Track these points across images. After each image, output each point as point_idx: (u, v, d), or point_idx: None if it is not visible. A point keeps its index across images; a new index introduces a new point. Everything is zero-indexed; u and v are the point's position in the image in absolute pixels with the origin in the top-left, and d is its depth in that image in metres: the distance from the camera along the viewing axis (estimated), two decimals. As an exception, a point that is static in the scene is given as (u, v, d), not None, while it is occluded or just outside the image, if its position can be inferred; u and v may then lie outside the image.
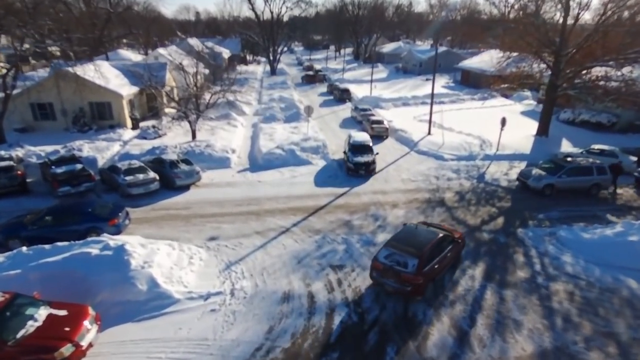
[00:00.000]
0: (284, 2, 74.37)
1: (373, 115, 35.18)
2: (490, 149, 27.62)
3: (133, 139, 28.06)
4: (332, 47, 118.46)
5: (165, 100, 34.18)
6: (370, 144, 24.42)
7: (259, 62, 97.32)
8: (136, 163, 20.86)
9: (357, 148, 23.86)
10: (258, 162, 25.21)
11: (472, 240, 16.06)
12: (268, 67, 76.54)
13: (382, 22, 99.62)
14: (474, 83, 53.28)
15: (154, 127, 29.02)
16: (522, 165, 25.48)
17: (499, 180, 22.83)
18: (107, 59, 59.98)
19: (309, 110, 29.26)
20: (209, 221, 17.48)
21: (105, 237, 13.46)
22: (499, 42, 35.45)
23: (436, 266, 12.36)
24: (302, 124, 33.47)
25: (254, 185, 21.71)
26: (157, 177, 20.37)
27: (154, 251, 13.18)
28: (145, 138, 28.05)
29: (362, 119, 35.61)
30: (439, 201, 19.90)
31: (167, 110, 34.91)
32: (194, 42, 59.08)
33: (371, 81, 49.85)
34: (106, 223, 15.50)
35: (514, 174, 23.30)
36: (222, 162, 24.59)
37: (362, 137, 25.28)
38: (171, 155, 22.11)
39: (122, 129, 29.28)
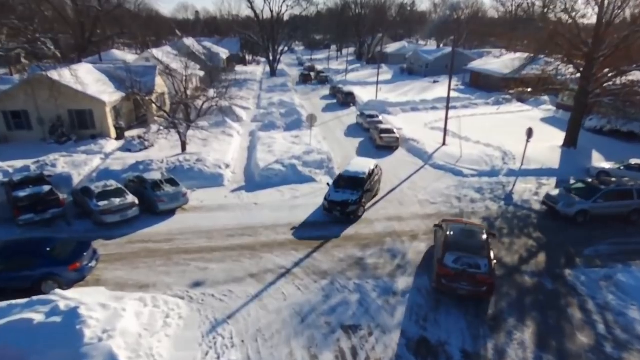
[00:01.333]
0: (284, 1, 71.80)
1: (381, 122, 32.35)
2: (514, 163, 24.74)
3: (116, 152, 25.20)
4: (333, 47, 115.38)
5: (154, 107, 31.32)
6: (365, 177, 18.47)
7: (258, 63, 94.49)
8: (112, 185, 18.00)
9: (344, 181, 18.43)
10: (255, 180, 22.36)
11: (513, 288, 13.20)
12: (268, 68, 73.68)
13: (385, 22, 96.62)
14: (486, 86, 50.32)
15: (140, 137, 26.16)
16: (552, 182, 22.64)
17: (529, 203, 19.94)
18: (101, 59, 57.29)
19: (311, 119, 26.39)
20: (194, 259, 14.62)
21: (56, 295, 10.60)
22: (523, 44, 32.49)
23: (493, 264, 12.43)
24: (304, 132, 30.61)
25: (249, 209, 18.86)
26: (136, 202, 17.54)
27: (118, 314, 10.33)
28: (129, 150, 25.20)
29: (369, 126, 32.78)
30: (465, 230, 17.03)
31: (157, 118, 32.08)
32: (189, 42, 56.21)
33: (377, 84, 46.96)
34: (66, 267, 12.65)
35: (544, 193, 20.44)
36: (214, 180, 21.73)
37: (359, 167, 19.44)
38: (154, 174, 19.24)
39: (105, 140, 26.44)
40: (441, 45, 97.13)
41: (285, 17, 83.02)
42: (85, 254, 13.28)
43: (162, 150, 25.39)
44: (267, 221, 17.59)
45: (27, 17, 28.07)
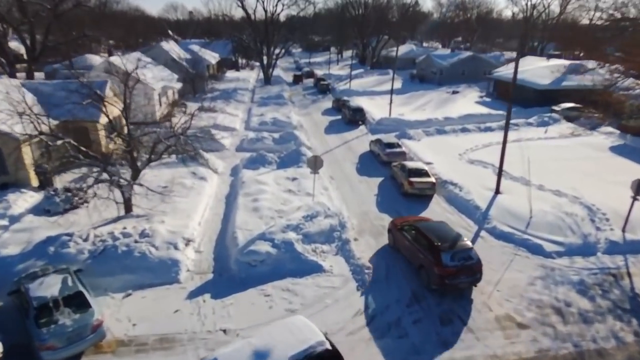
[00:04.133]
0: (279, 0, 63.71)
1: (404, 154, 24.85)
2: (610, 228, 16.94)
3: (26, 215, 17.13)
4: (333, 49, 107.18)
5: (103, 137, 23.32)
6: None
7: (252, 67, 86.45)
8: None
9: None
10: (229, 268, 14.42)
11: None
12: (262, 74, 65.65)
13: (388, 23, 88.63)
14: (519, 99, 42.27)
15: (68, 190, 18.06)
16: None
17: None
18: (72, 66, 49.20)
19: (315, 164, 18.33)
20: None
21: None
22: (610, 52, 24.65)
23: None
24: (304, 170, 22.74)
25: (213, 344, 10.93)
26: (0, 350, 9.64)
27: None
28: (48, 212, 17.18)
29: (388, 159, 25.04)
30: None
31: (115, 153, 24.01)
32: (168, 46, 48.10)
33: (391, 99, 38.94)
34: None
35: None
36: (164, 272, 13.77)
37: None
38: (46, 286, 11.21)
39: (19, 192, 18.42)
40: (447, 48, 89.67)
41: (282, 18, 75.15)
42: None
43: (96, 209, 17.32)
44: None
45: None
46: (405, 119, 36.31)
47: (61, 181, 20.32)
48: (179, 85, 39.96)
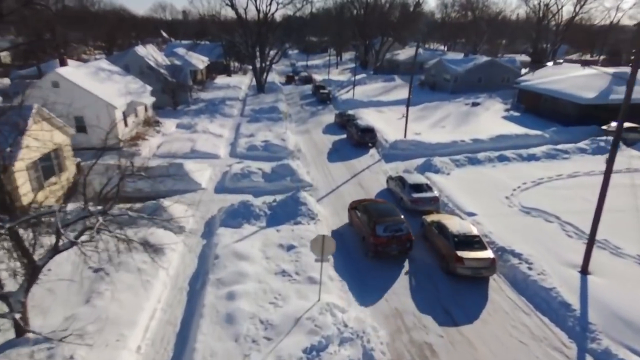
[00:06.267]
0: (273, -2, 57.08)
1: (436, 198, 19.50)
2: None
3: None
4: (330, 50, 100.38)
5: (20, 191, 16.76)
6: None
7: (245, 72, 79.90)
8: None
9: None
10: None
11: None
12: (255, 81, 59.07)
13: (392, 23, 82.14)
14: (555, 114, 36.05)
15: None
16: None
17: None
18: (40, 73, 42.61)
19: (322, 247, 11.81)
20: None
21: None
22: None
23: None
24: (304, 231, 16.37)
25: None
26: None
27: None
28: None
29: (413, 205, 18.91)
30: None
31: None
32: (144, 51, 41.46)
33: (406, 116, 32.36)
34: None
35: None
36: None
37: None
38: None
39: None
40: (448, 51, 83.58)
41: (277, 18, 68.67)
42: None
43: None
44: None
45: None
46: (425, 140, 29.95)
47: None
48: (151, 100, 33.35)
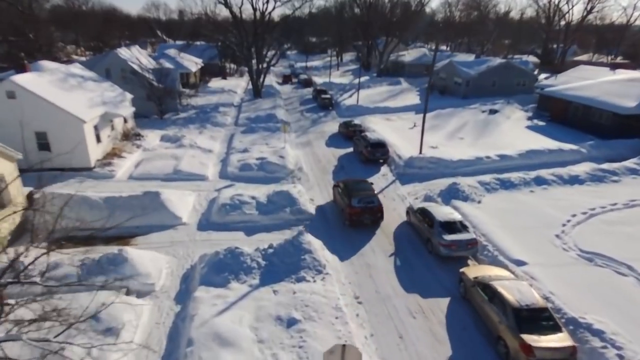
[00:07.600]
0: (271, -4, 53.15)
1: (474, 241, 15.54)
2: None
3: None
4: (330, 51, 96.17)
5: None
6: None
7: (242, 74, 75.84)
8: None
9: None
10: None
11: None
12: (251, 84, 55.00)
13: (394, 23, 77.93)
14: (585, 125, 32.05)
15: None
16: None
17: None
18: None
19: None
20: None
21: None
22: None
23: None
24: (309, 294, 12.48)
25: None
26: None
27: None
28: None
29: (447, 251, 15.09)
30: None
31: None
32: (127, 53, 37.41)
33: (422, 130, 28.18)
34: None
35: None
36: None
37: None
38: None
39: None
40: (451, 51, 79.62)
41: (275, 18, 64.56)
42: None
43: None
44: None
45: None
46: (445, 157, 26.04)
47: None
48: (130, 111, 29.31)
